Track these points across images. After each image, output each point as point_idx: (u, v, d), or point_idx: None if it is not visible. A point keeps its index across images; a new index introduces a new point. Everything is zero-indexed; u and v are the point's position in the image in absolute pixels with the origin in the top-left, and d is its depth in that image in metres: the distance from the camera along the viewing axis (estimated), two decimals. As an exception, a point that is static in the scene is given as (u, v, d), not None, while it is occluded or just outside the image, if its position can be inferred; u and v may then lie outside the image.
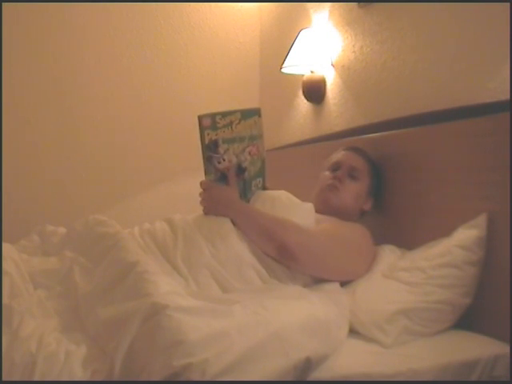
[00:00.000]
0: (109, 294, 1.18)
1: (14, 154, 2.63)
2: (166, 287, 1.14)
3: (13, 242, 1.55)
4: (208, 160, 1.54)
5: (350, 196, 1.69)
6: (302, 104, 2.60)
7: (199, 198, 1.57)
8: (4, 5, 2.56)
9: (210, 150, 1.52)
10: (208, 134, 1.51)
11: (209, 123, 1.51)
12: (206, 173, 1.56)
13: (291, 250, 1.41)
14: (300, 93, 2.54)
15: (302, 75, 2.48)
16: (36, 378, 0.97)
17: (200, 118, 1.51)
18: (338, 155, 1.77)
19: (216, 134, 1.52)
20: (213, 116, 1.51)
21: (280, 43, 2.79)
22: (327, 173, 1.75)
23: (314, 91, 2.43)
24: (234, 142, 1.54)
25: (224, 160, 1.54)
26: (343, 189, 1.69)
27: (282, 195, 1.59)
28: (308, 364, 1.05)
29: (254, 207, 1.55)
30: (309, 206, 1.58)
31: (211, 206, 1.53)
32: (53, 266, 1.39)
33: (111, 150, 2.85)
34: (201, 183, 1.56)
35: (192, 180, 2.94)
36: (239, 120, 1.54)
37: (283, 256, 1.43)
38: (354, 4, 2.17)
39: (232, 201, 1.53)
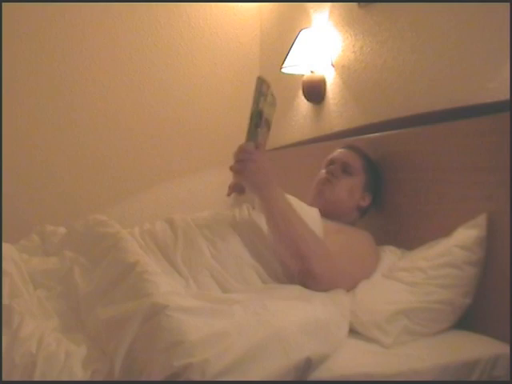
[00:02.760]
0: (109, 294, 1.18)
1: (13, 154, 2.63)
2: (166, 287, 1.14)
3: (13, 242, 1.55)
4: (255, 126, 1.42)
5: (343, 190, 1.69)
6: (302, 104, 2.60)
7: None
8: (4, 5, 2.56)
9: (258, 117, 1.41)
10: (261, 101, 1.41)
11: (265, 91, 1.41)
12: (250, 138, 1.42)
13: (314, 277, 1.36)
14: (300, 93, 2.54)
15: (302, 75, 2.48)
16: (36, 379, 0.97)
17: (261, 80, 1.40)
18: (333, 153, 1.79)
19: (262, 105, 1.42)
20: (268, 85, 1.42)
21: (280, 43, 2.79)
22: (322, 170, 1.77)
23: (314, 91, 2.43)
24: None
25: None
26: (336, 183, 1.70)
27: (291, 199, 1.55)
28: (308, 364, 1.05)
29: (289, 200, 1.45)
30: (315, 213, 1.58)
31: (250, 169, 1.38)
32: (53, 266, 1.39)
33: (111, 150, 2.85)
34: (243, 145, 1.41)
35: (192, 180, 2.97)
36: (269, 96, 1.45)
37: (304, 277, 1.37)
38: (354, 4, 2.17)
39: (271, 179, 1.41)
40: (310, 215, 1.54)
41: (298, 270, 1.39)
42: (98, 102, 2.82)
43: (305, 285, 1.37)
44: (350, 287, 1.43)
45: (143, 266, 1.20)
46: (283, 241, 1.40)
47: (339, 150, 1.80)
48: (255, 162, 1.39)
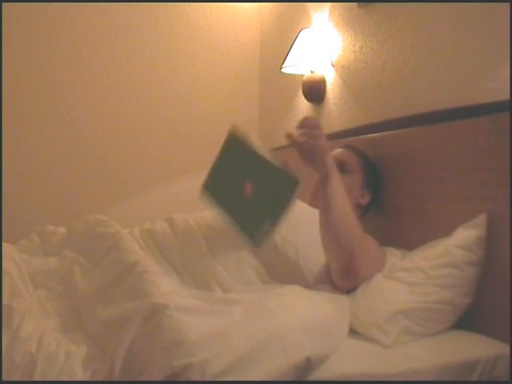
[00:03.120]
0: (109, 294, 1.19)
1: (13, 154, 2.63)
2: (166, 287, 1.15)
3: (13, 241, 1.55)
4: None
5: None
6: (302, 104, 2.60)
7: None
8: (4, 5, 2.56)
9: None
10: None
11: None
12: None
13: (355, 276, 1.37)
14: (300, 93, 2.54)
15: (302, 75, 2.48)
16: (36, 378, 0.98)
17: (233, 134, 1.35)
18: (332, 152, 1.79)
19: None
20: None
21: (280, 43, 2.79)
22: None
23: (314, 91, 2.43)
24: None
25: None
26: None
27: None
28: (308, 364, 1.05)
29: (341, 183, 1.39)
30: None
31: (324, 146, 1.33)
32: (53, 266, 1.40)
33: (111, 150, 2.85)
34: (309, 117, 1.36)
35: (192, 180, 2.97)
36: None
37: (345, 273, 1.37)
38: (354, 4, 2.17)
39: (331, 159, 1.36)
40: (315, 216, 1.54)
41: (343, 265, 1.37)
42: (97, 101, 2.82)
43: (340, 280, 1.37)
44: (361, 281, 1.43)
45: (143, 265, 1.20)
46: (338, 231, 1.35)
47: (337, 150, 1.80)
48: (319, 135, 1.30)
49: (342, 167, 1.71)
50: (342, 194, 1.38)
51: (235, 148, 1.32)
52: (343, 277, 1.39)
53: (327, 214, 1.37)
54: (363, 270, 1.39)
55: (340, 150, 1.79)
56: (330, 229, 1.37)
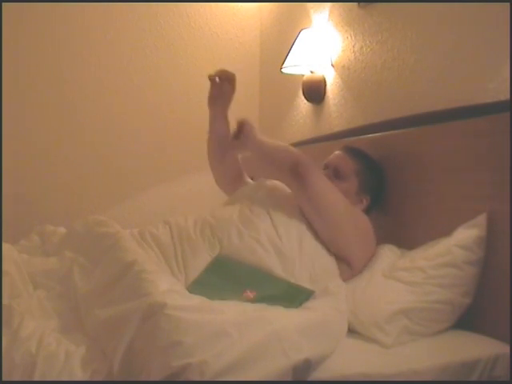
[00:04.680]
0: (107, 294, 1.18)
1: (13, 154, 2.63)
2: (165, 285, 1.14)
3: (13, 242, 1.55)
4: None
5: None
6: (302, 104, 2.60)
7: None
8: (4, 5, 2.56)
9: None
10: None
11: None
12: None
13: (302, 169, 1.54)
14: (300, 93, 2.54)
15: (302, 75, 2.48)
16: (36, 378, 0.97)
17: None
18: (330, 156, 1.79)
19: None
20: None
21: (280, 43, 2.79)
22: None
23: (314, 91, 2.43)
24: None
25: None
26: None
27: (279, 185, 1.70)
28: (307, 364, 1.05)
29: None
30: None
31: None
32: (53, 267, 1.39)
33: (111, 150, 2.85)
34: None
35: (192, 180, 2.97)
36: None
37: (295, 171, 1.54)
38: (354, 4, 2.17)
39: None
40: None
41: (289, 164, 1.56)
42: (97, 102, 2.82)
43: (297, 177, 1.54)
44: (344, 225, 1.53)
45: (141, 264, 1.20)
46: (274, 156, 1.64)
47: (334, 153, 1.79)
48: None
49: (336, 174, 1.71)
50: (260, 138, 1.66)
51: (225, 265, 1.40)
52: (295, 176, 1.55)
53: (262, 154, 1.66)
54: (307, 162, 1.57)
55: (337, 153, 1.78)
56: (269, 160, 1.65)
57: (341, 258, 1.52)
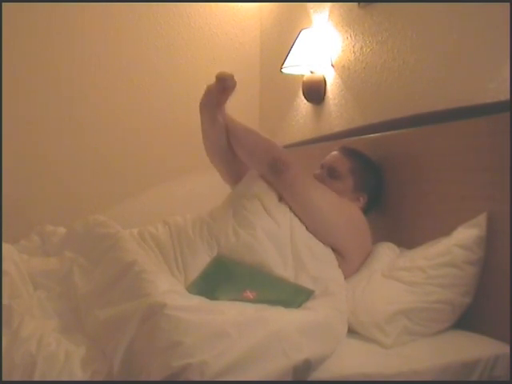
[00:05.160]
0: (107, 295, 1.18)
1: (14, 153, 2.63)
2: (165, 286, 1.14)
3: (13, 242, 1.55)
4: None
5: None
6: (302, 104, 2.60)
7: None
8: (4, 5, 2.56)
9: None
10: None
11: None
12: None
13: (282, 162, 1.55)
14: (300, 93, 2.54)
15: (302, 75, 2.47)
16: (36, 379, 0.98)
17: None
18: (326, 156, 1.79)
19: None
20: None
21: (280, 43, 2.79)
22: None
23: (314, 91, 2.43)
24: None
25: None
26: None
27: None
28: (307, 365, 1.05)
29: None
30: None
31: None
32: (53, 267, 1.39)
33: (111, 150, 2.85)
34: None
35: (192, 180, 2.97)
36: None
37: (273, 164, 1.55)
38: (354, 4, 2.17)
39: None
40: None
41: (269, 159, 1.57)
42: (97, 102, 2.82)
43: (276, 173, 1.55)
44: (328, 217, 1.53)
45: (141, 265, 1.20)
46: (245, 142, 1.66)
47: (331, 153, 1.79)
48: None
49: (331, 173, 1.71)
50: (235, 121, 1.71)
51: (224, 266, 1.40)
52: (275, 168, 1.55)
53: (234, 137, 1.67)
54: (290, 158, 1.58)
55: (333, 153, 1.78)
56: (239, 144, 1.67)
57: (334, 250, 1.52)
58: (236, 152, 1.70)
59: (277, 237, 1.45)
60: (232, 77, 1.62)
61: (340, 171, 1.70)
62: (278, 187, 1.57)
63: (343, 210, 1.58)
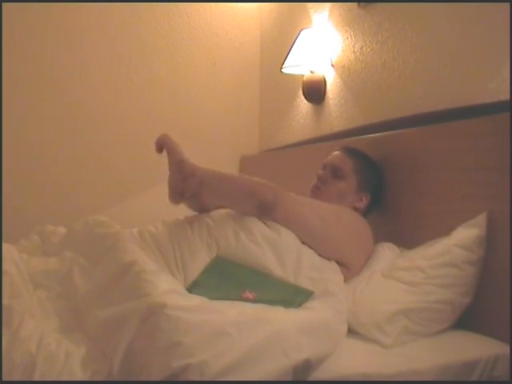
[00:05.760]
0: (107, 295, 1.18)
1: (13, 153, 2.63)
2: (164, 286, 1.14)
3: (13, 242, 1.55)
4: None
5: (334, 195, 1.69)
6: (302, 104, 2.60)
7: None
8: (4, 5, 2.56)
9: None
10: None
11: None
12: None
13: (269, 206, 1.47)
14: (300, 93, 2.54)
15: (302, 75, 2.48)
16: (36, 379, 0.98)
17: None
18: (328, 156, 1.79)
19: None
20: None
21: (280, 43, 2.79)
22: (315, 176, 1.77)
23: (314, 91, 2.43)
24: None
25: None
26: (326, 189, 1.70)
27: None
28: (307, 365, 1.05)
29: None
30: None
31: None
32: (53, 267, 1.39)
33: (111, 150, 2.85)
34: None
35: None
36: None
37: (262, 208, 1.48)
38: (354, 4, 2.17)
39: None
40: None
41: (255, 203, 1.48)
42: (97, 102, 2.82)
43: (266, 213, 1.48)
44: (327, 244, 1.49)
45: (141, 265, 1.20)
46: (236, 193, 1.53)
47: (333, 153, 1.79)
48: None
49: (334, 173, 1.71)
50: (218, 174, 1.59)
51: (224, 266, 1.40)
52: (263, 211, 1.48)
53: (213, 194, 1.56)
54: (277, 200, 1.48)
55: (335, 153, 1.78)
56: (225, 195, 1.55)
57: (340, 264, 1.51)
58: (219, 205, 1.59)
59: (276, 244, 1.44)
60: (162, 136, 1.69)
61: (344, 171, 1.70)
62: (274, 221, 1.51)
63: (341, 222, 1.56)
